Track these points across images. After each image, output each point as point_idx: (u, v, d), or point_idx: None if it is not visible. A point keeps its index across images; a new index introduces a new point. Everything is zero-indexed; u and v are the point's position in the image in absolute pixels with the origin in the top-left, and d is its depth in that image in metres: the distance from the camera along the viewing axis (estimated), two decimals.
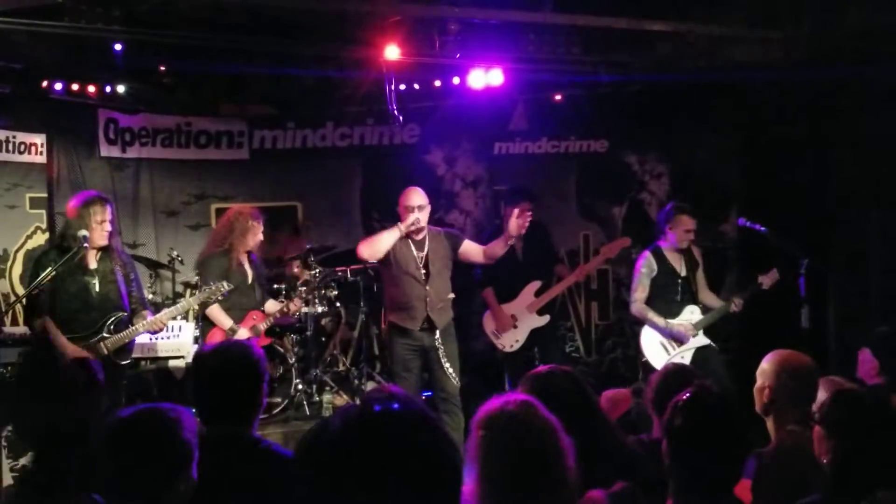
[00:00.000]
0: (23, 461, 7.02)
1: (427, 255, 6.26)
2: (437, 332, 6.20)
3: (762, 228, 6.69)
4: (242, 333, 6.43)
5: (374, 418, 1.52)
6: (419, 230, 6.23)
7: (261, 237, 6.78)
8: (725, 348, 8.30)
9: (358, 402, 1.59)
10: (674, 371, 3.99)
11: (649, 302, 6.78)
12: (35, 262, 5.89)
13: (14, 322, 7.11)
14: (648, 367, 6.70)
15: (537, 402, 2.56)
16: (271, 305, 6.84)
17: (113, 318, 5.78)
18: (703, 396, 2.79)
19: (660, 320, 6.72)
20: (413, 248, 6.24)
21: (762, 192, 7.99)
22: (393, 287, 6.34)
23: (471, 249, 6.48)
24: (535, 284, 7.41)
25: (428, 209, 6.29)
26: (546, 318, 7.41)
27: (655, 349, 6.75)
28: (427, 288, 6.19)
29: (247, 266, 6.69)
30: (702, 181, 8.46)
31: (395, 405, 1.54)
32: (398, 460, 1.47)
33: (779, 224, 6.72)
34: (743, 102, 8.13)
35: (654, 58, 7.26)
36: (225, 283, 6.20)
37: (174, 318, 6.23)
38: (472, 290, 7.49)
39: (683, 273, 6.82)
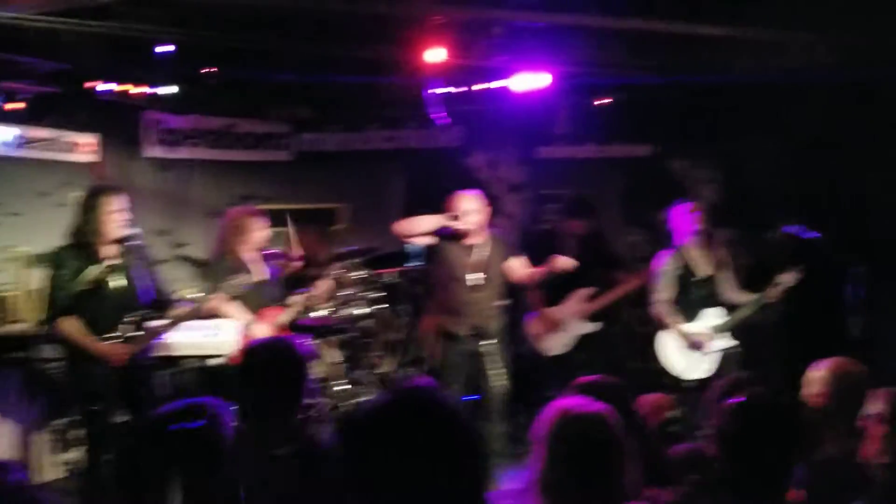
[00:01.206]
0: (67, 456, 7.12)
1: (481, 261, 6.16)
2: (487, 339, 6.11)
3: (811, 234, 6.58)
4: (260, 329, 6.42)
5: (402, 405, 1.55)
6: (467, 233, 6.13)
7: (266, 233, 6.78)
8: (769, 356, 8.20)
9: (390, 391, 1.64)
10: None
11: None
12: (53, 258, 5.61)
13: None
14: (667, 375, 6.55)
15: (616, 418, 2.64)
16: (296, 298, 6.78)
17: (132, 317, 5.55)
18: (755, 401, 2.76)
19: (679, 326, 6.52)
20: (467, 253, 6.15)
21: (811, 197, 7.88)
22: (443, 291, 6.27)
23: (514, 267, 6.34)
24: (587, 291, 7.40)
25: (479, 215, 6.16)
26: (597, 325, 7.41)
27: (672, 356, 6.53)
28: (477, 295, 6.11)
29: (257, 265, 6.71)
30: (748, 186, 8.35)
31: (424, 395, 1.57)
32: (422, 447, 1.51)
33: (828, 230, 6.61)
34: (791, 107, 8.01)
35: (702, 62, 7.18)
36: (241, 277, 6.11)
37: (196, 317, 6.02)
38: (517, 294, 7.46)
39: (707, 273, 6.60)
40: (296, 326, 6.67)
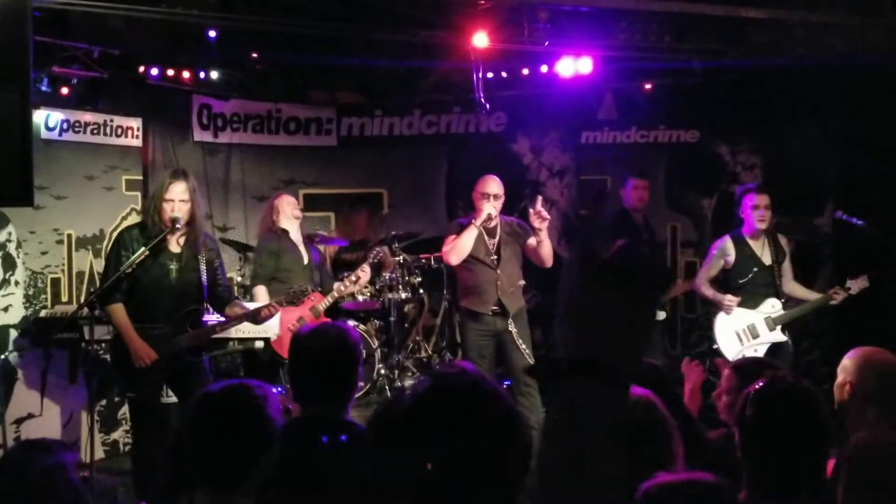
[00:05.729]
0: (114, 436, 7.25)
1: (498, 241, 6.35)
2: (510, 317, 6.25)
3: (859, 222, 6.47)
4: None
5: (444, 391, 1.53)
6: (492, 220, 6.29)
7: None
8: (818, 345, 8.10)
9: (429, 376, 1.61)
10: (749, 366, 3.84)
11: (730, 292, 6.67)
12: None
13: None
14: (719, 355, 6.56)
15: (658, 401, 2.61)
16: (339, 286, 6.86)
17: (189, 311, 5.44)
18: (777, 386, 2.70)
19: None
20: (484, 234, 6.31)
21: (860, 184, 7.74)
22: (464, 273, 6.41)
23: (532, 246, 6.40)
24: None
25: (502, 199, 6.36)
26: (661, 315, 7.65)
27: (729, 339, 6.62)
28: (498, 272, 6.28)
29: (302, 248, 6.77)
30: (796, 173, 8.22)
31: (467, 379, 1.55)
32: (467, 432, 1.48)
33: (878, 218, 6.49)
34: (841, 92, 7.87)
35: (749, 46, 7.07)
36: (310, 287, 6.04)
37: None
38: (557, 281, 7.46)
39: (767, 262, 6.61)
40: (337, 310, 6.73)
